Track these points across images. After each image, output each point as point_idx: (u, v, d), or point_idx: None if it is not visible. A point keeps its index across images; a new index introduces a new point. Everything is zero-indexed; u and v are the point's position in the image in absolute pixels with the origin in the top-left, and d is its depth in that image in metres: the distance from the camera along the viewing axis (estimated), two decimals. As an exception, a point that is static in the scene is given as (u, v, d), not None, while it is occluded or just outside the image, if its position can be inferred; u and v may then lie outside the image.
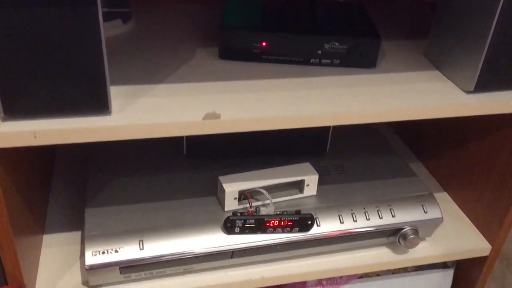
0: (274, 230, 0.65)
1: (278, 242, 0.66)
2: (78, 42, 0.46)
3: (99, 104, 0.50)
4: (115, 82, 0.57)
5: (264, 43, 0.62)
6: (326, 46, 0.62)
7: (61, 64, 0.47)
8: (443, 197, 0.84)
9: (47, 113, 0.49)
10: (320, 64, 0.63)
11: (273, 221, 0.64)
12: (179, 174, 0.73)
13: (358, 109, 0.56)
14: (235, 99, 0.56)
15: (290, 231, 0.66)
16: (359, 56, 0.63)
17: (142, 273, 0.64)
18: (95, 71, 0.48)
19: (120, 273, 0.62)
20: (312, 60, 0.63)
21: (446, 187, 0.86)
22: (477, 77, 0.59)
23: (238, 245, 0.64)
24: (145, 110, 0.52)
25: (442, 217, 0.71)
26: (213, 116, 0.53)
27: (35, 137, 0.48)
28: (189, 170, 0.74)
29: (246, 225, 0.64)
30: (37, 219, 0.69)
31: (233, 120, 0.53)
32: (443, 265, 0.82)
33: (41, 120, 0.49)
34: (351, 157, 0.79)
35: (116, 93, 0.55)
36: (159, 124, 0.51)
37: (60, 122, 0.49)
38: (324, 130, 0.76)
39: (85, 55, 0.47)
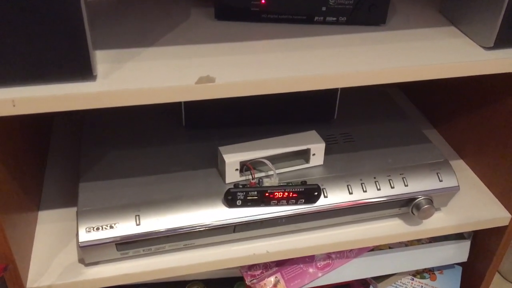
0: (278, 202, 0.61)
1: (282, 215, 0.62)
2: (56, 1, 0.42)
3: (81, 68, 0.46)
4: (102, 46, 0.53)
5: (263, 1, 0.57)
6: (331, 1, 0.57)
7: (39, 27, 0.42)
8: (459, 164, 0.80)
9: (26, 79, 0.45)
10: (324, 22, 0.58)
11: (277, 193, 0.61)
12: (177, 145, 0.69)
13: (368, 69, 0.51)
14: (232, 62, 0.51)
15: (295, 203, 0.62)
16: (367, 12, 0.57)
17: (140, 249, 0.61)
18: (75, 32, 0.43)
19: (117, 250, 0.59)
20: (316, 18, 0.58)
21: (462, 154, 0.81)
22: (497, 32, 0.54)
23: (240, 218, 0.61)
24: (133, 75, 0.48)
25: (459, 186, 0.67)
26: (207, 79, 0.48)
27: (14, 105, 0.44)
28: (188, 141, 0.70)
29: (248, 198, 0.60)
30: (31, 195, 0.66)
31: (229, 83, 0.48)
32: (460, 236, 0.78)
33: (20, 87, 0.45)
34: (360, 124, 0.74)
35: (103, 58, 0.51)
36: (147, 89, 0.47)
37: (40, 89, 0.45)
38: (331, 95, 0.72)
39: (64, 16, 0.42)
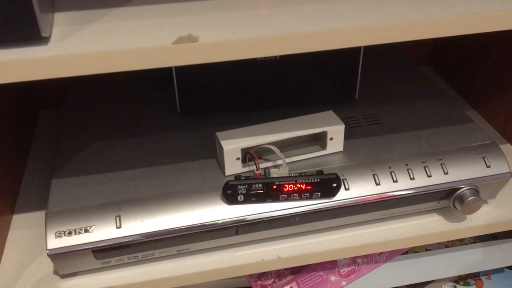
0: (288, 197, 0.50)
1: (295, 212, 0.51)
2: None
3: (27, 29, 0.36)
4: (64, 8, 0.43)
5: (262, -51, 0.46)
6: None
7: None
8: (506, 149, 0.67)
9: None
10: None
11: (286, 185, 0.50)
12: (171, 134, 0.59)
13: (398, 20, 0.40)
14: (221, 19, 0.41)
15: (310, 198, 0.51)
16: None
17: (124, 257, 0.50)
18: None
19: (96, 258, 0.49)
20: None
21: (509, 138, 0.68)
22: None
23: (244, 217, 0.50)
24: (96, 37, 0.38)
25: (511, 172, 0.55)
26: (189, 39, 0.38)
27: None
28: (183, 129, 0.59)
29: (251, 192, 0.49)
30: (5, 197, 0.56)
31: (216, 43, 0.38)
32: (510, 234, 0.66)
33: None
34: (387, 104, 0.63)
35: (64, 20, 0.41)
36: (110, 52, 0.36)
37: (-24, 56, 0.36)
38: (350, 71, 0.60)
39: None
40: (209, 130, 0.59)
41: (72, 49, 0.36)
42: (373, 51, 0.74)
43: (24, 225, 0.58)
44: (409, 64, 0.71)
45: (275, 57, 0.58)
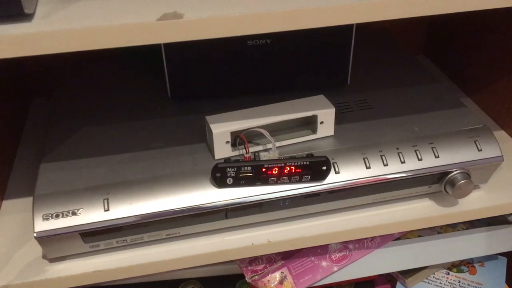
0: (278, 180, 0.50)
1: (285, 195, 0.51)
2: None
3: (9, 6, 0.36)
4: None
5: None
6: None
7: None
8: (500, 135, 0.67)
9: None
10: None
11: (275, 168, 0.49)
12: (161, 119, 0.58)
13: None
14: (207, -3, 0.41)
15: (300, 181, 0.51)
16: None
17: (113, 241, 0.50)
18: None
19: (84, 241, 0.49)
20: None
21: (502, 124, 0.68)
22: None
23: (233, 200, 0.50)
24: (80, 14, 0.38)
25: (502, 156, 0.54)
26: (174, 16, 0.38)
27: None
28: (174, 114, 0.59)
29: (240, 175, 0.49)
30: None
31: (201, 20, 0.38)
32: (504, 221, 0.65)
33: None
34: (379, 90, 0.62)
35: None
36: (93, 28, 0.36)
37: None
38: (342, 56, 0.60)
39: None
40: (200, 116, 0.59)
41: (56, 25, 0.36)
42: (366, 38, 0.74)
43: (13, 211, 0.57)
44: (402, 51, 0.71)
45: (266, 41, 0.58)
